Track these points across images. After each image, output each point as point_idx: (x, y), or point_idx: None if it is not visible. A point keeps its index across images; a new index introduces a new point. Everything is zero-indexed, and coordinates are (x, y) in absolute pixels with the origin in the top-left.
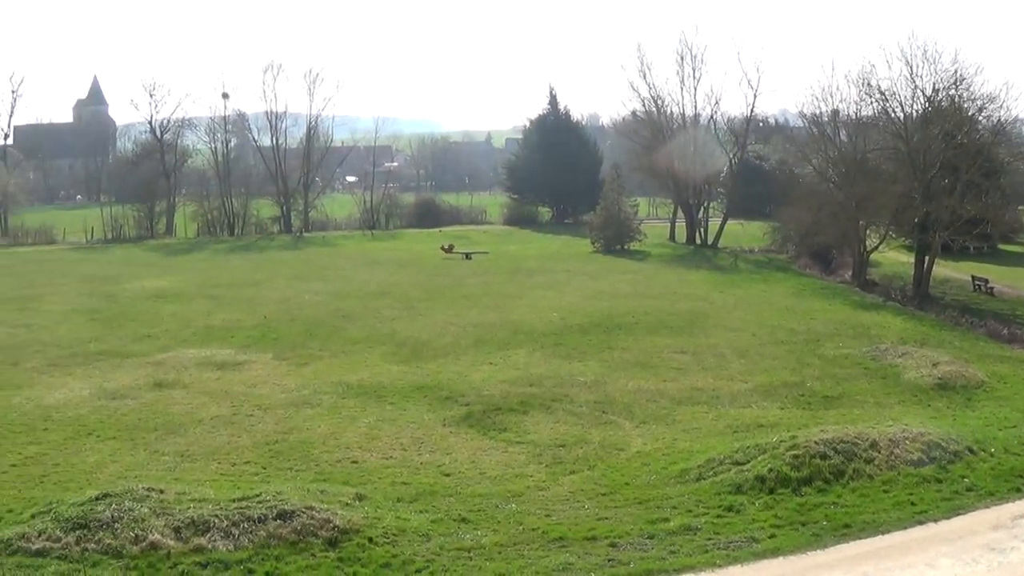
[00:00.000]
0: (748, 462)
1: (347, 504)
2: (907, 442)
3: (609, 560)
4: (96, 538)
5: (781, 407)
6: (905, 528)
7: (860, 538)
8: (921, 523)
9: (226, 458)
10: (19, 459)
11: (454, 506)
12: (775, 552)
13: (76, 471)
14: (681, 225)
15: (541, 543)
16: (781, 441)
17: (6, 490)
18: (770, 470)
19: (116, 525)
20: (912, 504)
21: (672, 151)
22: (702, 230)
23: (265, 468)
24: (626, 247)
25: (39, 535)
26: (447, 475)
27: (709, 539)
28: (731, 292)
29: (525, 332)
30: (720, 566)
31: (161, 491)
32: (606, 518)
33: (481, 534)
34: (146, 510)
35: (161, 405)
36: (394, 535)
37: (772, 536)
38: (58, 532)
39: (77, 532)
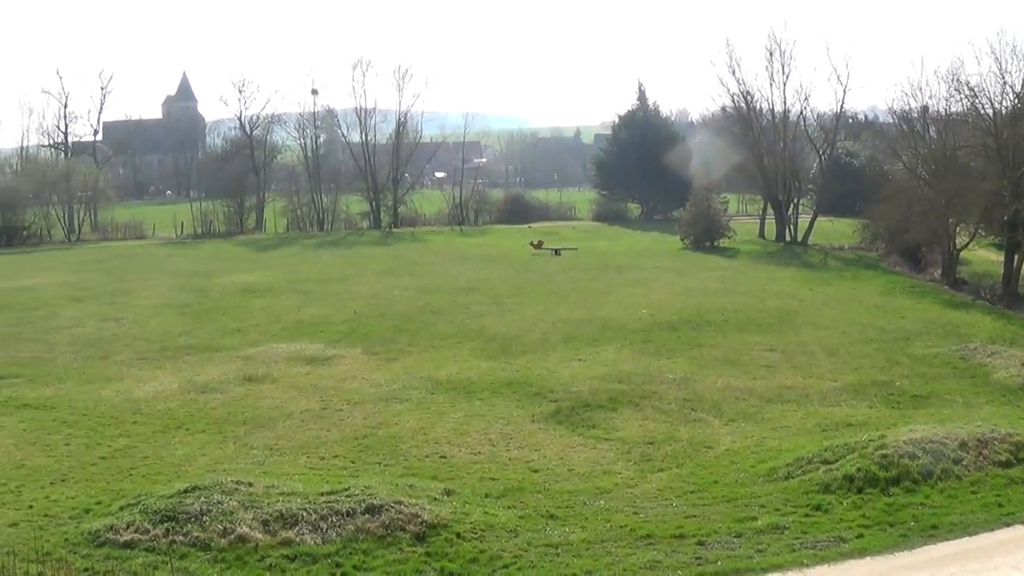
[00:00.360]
0: (836, 461)
1: (435, 499)
2: (996, 443)
3: (696, 559)
4: (184, 530)
5: (870, 406)
6: (992, 530)
7: (947, 539)
8: (1008, 525)
9: (315, 452)
10: (108, 452)
11: (542, 502)
12: (862, 552)
13: (165, 464)
14: (771, 222)
15: (629, 540)
16: (870, 440)
17: (95, 482)
18: (858, 469)
19: (204, 518)
20: (999, 506)
21: (762, 147)
22: (791, 227)
23: (354, 462)
24: (715, 244)
25: (127, 527)
26: (535, 471)
27: (796, 538)
28: (820, 290)
29: (614, 328)
30: (807, 565)
31: (250, 484)
32: (694, 516)
33: (569, 531)
34: (235, 503)
35: (250, 399)
36: (482, 530)
37: (859, 536)
38: (146, 524)
39: (165, 524)
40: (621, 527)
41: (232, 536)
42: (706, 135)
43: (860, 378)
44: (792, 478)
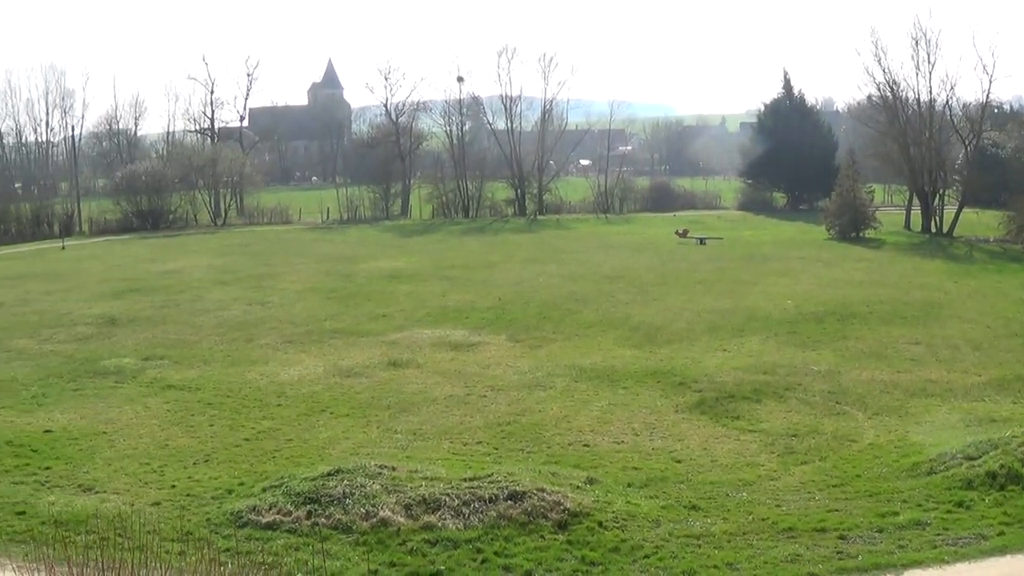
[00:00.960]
0: (979, 457)
1: (578, 487)
2: None
3: (838, 552)
4: (327, 513)
5: (1014, 401)
6: None
7: None
8: None
9: (458, 437)
10: (252, 433)
11: (684, 493)
12: (1003, 550)
13: (308, 447)
14: (916, 213)
15: (770, 533)
16: (1013, 437)
17: (238, 463)
18: (1001, 466)
19: (347, 501)
20: None
21: (907, 137)
22: (937, 218)
23: (497, 449)
24: (861, 234)
25: (270, 508)
26: (678, 461)
27: (938, 535)
28: (965, 282)
29: (759, 319)
30: (948, 562)
31: (393, 468)
32: (836, 510)
33: (711, 522)
34: (377, 487)
35: (395, 384)
36: (624, 520)
37: (1000, 533)
38: (289, 506)
39: (308, 507)
40: (763, 519)
41: (374, 519)
42: (851, 124)
43: (1004, 373)
44: (935, 473)
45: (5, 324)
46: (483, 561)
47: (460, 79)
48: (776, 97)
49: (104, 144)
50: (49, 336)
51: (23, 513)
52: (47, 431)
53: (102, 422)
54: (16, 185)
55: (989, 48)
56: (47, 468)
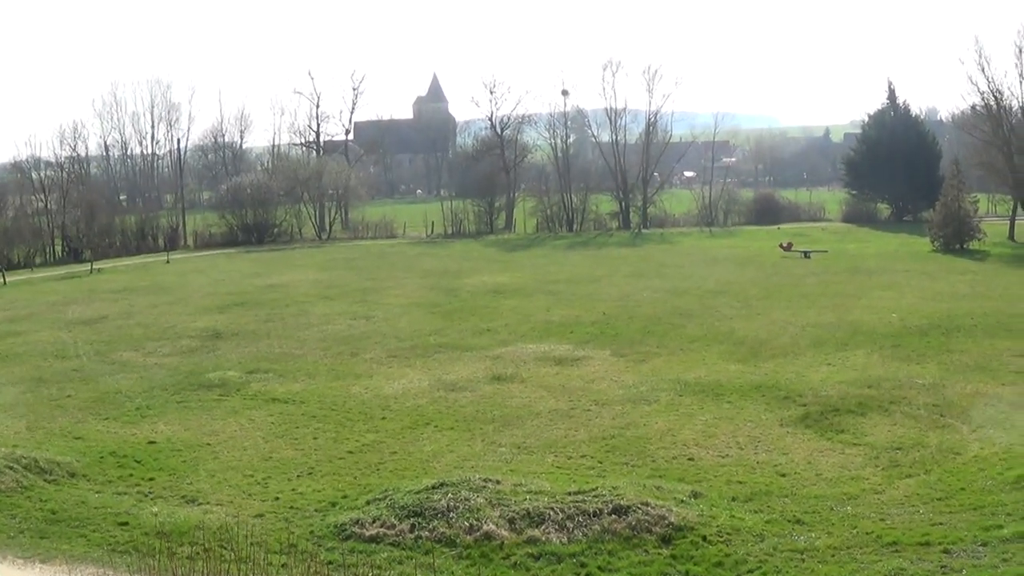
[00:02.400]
0: None
1: (682, 501)
2: None
3: (942, 567)
4: (431, 526)
5: None
6: None
7: None
8: None
9: (562, 451)
10: (356, 446)
11: (789, 507)
12: None
13: (412, 460)
14: (1021, 223)
15: (874, 547)
16: None
17: (342, 476)
18: None
19: (451, 514)
20: None
21: (1012, 146)
22: None
23: (601, 462)
24: (965, 246)
25: (373, 521)
26: (783, 475)
27: None
28: None
29: (864, 333)
30: None
31: (497, 482)
32: (940, 523)
33: (815, 536)
34: (482, 500)
35: (499, 398)
36: (728, 534)
37: None
38: (392, 519)
39: (411, 520)
40: (867, 533)
41: (478, 533)
42: (955, 133)
43: None
44: None
45: (110, 337)
46: (587, 575)
47: (565, 92)
48: (880, 107)
49: (209, 157)
50: (154, 349)
51: (126, 524)
52: (151, 442)
53: (206, 434)
54: (121, 197)
55: None
56: (150, 479)
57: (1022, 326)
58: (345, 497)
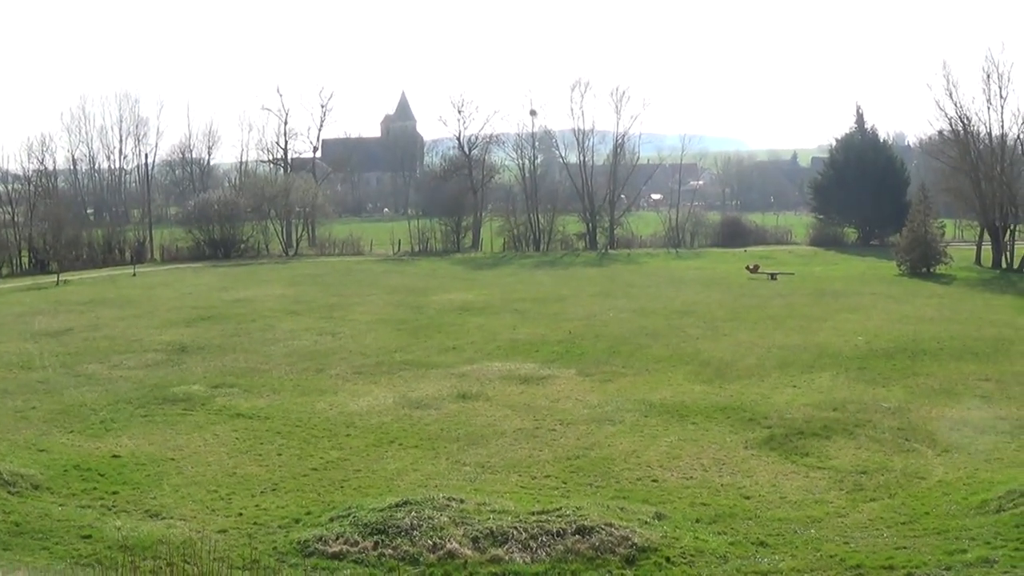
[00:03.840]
0: None
1: (646, 522)
2: None
3: None
4: (394, 544)
5: None
6: None
7: None
8: None
9: (527, 471)
10: (320, 463)
11: (753, 529)
12: None
13: (377, 477)
14: (987, 248)
15: (838, 570)
16: None
17: (306, 493)
18: None
19: (415, 532)
20: None
21: (979, 172)
22: (1008, 253)
23: (565, 483)
24: (932, 270)
25: (336, 538)
26: (747, 498)
27: (1006, 572)
28: None
29: (829, 355)
30: None
31: (461, 501)
32: (904, 547)
33: (778, 559)
34: (445, 519)
35: (464, 416)
36: (691, 556)
37: None
38: (356, 536)
39: (375, 537)
40: (831, 556)
41: (441, 552)
42: (923, 158)
43: None
44: (1004, 511)
45: (76, 349)
46: None
47: (533, 113)
48: (848, 131)
49: (177, 172)
50: (119, 362)
51: (89, 537)
52: (115, 456)
53: (170, 448)
54: (89, 211)
55: None
56: (114, 493)
57: (988, 350)
58: (309, 514)
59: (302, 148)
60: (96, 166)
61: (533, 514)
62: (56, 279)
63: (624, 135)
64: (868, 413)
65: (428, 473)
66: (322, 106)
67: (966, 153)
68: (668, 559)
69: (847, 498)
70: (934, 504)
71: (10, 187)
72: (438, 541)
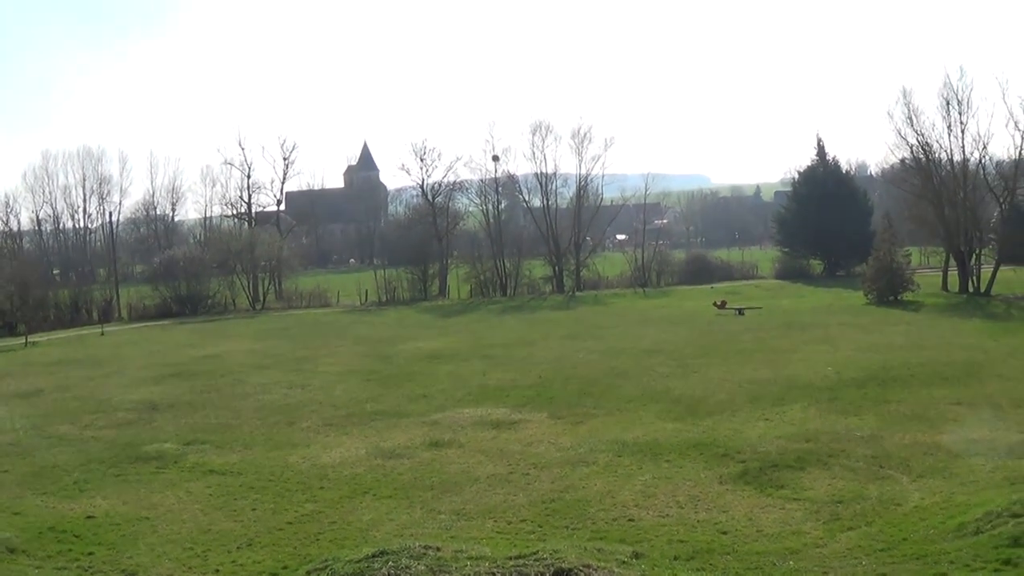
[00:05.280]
0: None
1: (624, 562)
2: None
3: None
4: None
5: None
6: None
7: None
8: None
9: (502, 516)
10: (295, 517)
11: (731, 564)
12: None
13: (352, 529)
14: (953, 273)
15: None
16: None
17: (282, 547)
18: None
19: None
20: None
21: (942, 198)
22: (974, 278)
23: (541, 526)
24: (899, 298)
25: None
26: (724, 533)
27: None
28: (1005, 341)
29: (800, 387)
30: None
31: (438, 549)
32: (884, 574)
33: None
34: (422, 567)
35: (437, 464)
36: None
37: None
38: None
39: None
40: None
41: None
42: (886, 187)
43: None
44: (981, 533)
45: (46, 410)
46: None
47: (495, 158)
48: (810, 164)
49: (142, 230)
50: (90, 422)
51: None
52: (89, 517)
53: (144, 507)
54: (54, 272)
55: (1020, 103)
56: (90, 554)
57: (958, 374)
58: (285, 568)
59: (266, 201)
60: (61, 226)
61: (510, 559)
62: (24, 341)
63: (587, 177)
64: (841, 443)
65: (403, 522)
66: (285, 158)
67: (928, 180)
68: None
69: (824, 528)
70: (912, 530)
71: None
72: None
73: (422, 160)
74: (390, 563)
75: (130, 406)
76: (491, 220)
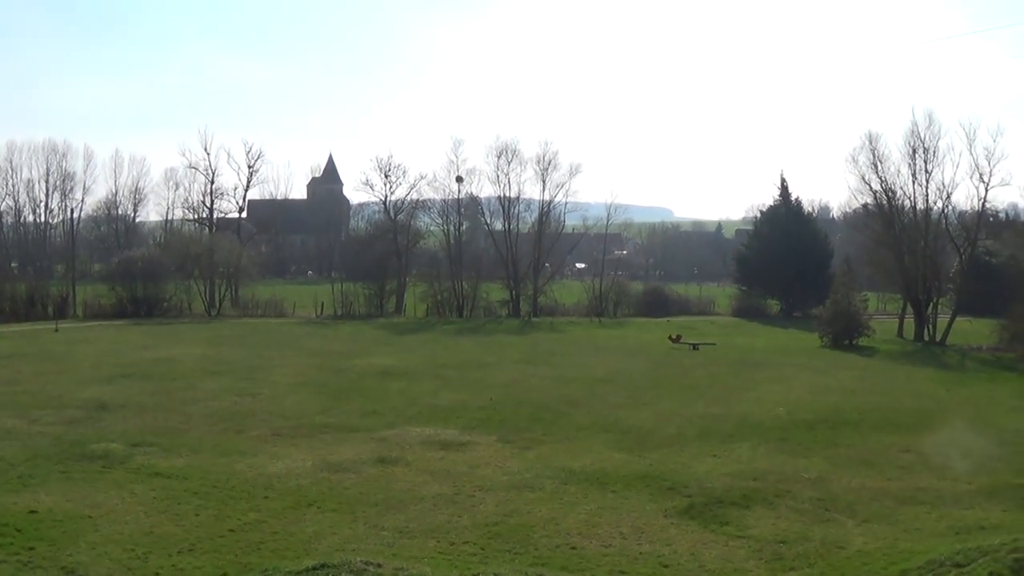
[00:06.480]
0: (969, 564)
1: None
2: None
3: None
4: None
5: (1004, 509)
6: None
7: None
8: None
9: (445, 537)
10: (238, 524)
11: None
12: None
13: (294, 540)
14: (910, 321)
15: None
16: (1003, 544)
17: (223, 554)
18: (991, 573)
19: None
20: None
21: (903, 245)
22: (930, 327)
23: (484, 549)
24: (854, 342)
25: None
26: (666, 566)
27: None
28: (957, 391)
29: (750, 425)
30: None
31: (379, 565)
32: None
33: None
34: None
35: (383, 481)
36: None
37: None
38: None
39: None
40: None
41: None
42: (847, 232)
43: (994, 481)
44: None
45: None
46: None
47: (459, 179)
48: (773, 204)
49: (102, 229)
50: (38, 417)
51: None
52: (32, 512)
53: (88, 506)
54: (12, 264)
55: (986, 155)
56: (31, 548)
57: (909, 421)
58: (225, 575)
59: (228, 208)
60: (22, 219)
61: None
62: None
63: (550, 203)
64: (788, 483)
65: (346, 537)
66: (249, 166)
67: (890, 227)
68: None
69: (766, 567)
70: (854, 574)
71: None
72: None
73: (386, 176)
74: None
75: (80, 404)
76: (452, 240)
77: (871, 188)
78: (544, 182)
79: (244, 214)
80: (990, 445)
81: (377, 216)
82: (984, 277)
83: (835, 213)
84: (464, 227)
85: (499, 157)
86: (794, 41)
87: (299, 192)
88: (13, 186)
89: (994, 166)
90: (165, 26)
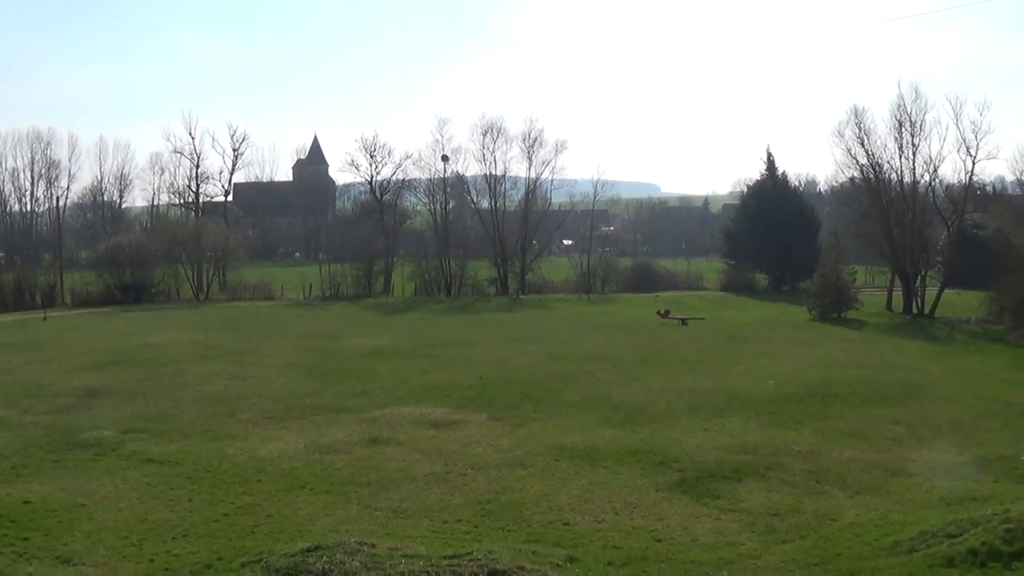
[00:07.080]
0: (960, 535)
1: (558, 566)
2: None
3: None
4: None
5: (995, 480)
6: None
7: None
8: None
9: (438, 515)
10: (231, 508)
11: (665, 572)
12: None
13: (288, 523)
14: (898, 294)
15: None
16: (994, 515)
17: (217, 539)
18: (982, 544)
19: None
20: None
21: (890, 218)
22: (919, 299)
23: (477, 527)
24: (843, 315)
25: None
26: (659, 540)
27: None
28: (946, 363)
29: (740, 399)
30: None
31: (373, 545)
32: None
33: None
34: (357, 563)
35: (375, 461)
36: None
37: None
38: None
39: None
40: None
41: None
42: (834, 205)
43: (985, 452)
44: (916, 552)
45: None
46: None
47: (445, 158)
48: (759, 178)
49: (88, 216)
50: (29, 407)
51: None
52: (26, 502)
53: (81, 494)
54: None
55: (972, 128)
56: (25, 539)
57: (897, 393)
58: (220, 559)
59: (214, 192)
60: (7, 209)
61: (445, 558)
62: None
63: (536, 181)
64: (779, 456)
65: (339, 518)
66: (234, 149)
67: (877, 200)
68: None
69: (759, 540)
70: (846, 545)
71: None
72: None
73: (372, 156)
74: (325, 558)
75: (70, 392)
76: (438, 220)
77: (857, 162)
78: (530, 159)
79: (230, 197)
80: (980, 416)
81: (363, 196)
82: (972, 250)
83: (822, 187)
84: (451, 206)
85: (484, 135)
86: (780, 14)
87: (284, 174)
88: None
89: (981, 140)
90: (147, 12)
